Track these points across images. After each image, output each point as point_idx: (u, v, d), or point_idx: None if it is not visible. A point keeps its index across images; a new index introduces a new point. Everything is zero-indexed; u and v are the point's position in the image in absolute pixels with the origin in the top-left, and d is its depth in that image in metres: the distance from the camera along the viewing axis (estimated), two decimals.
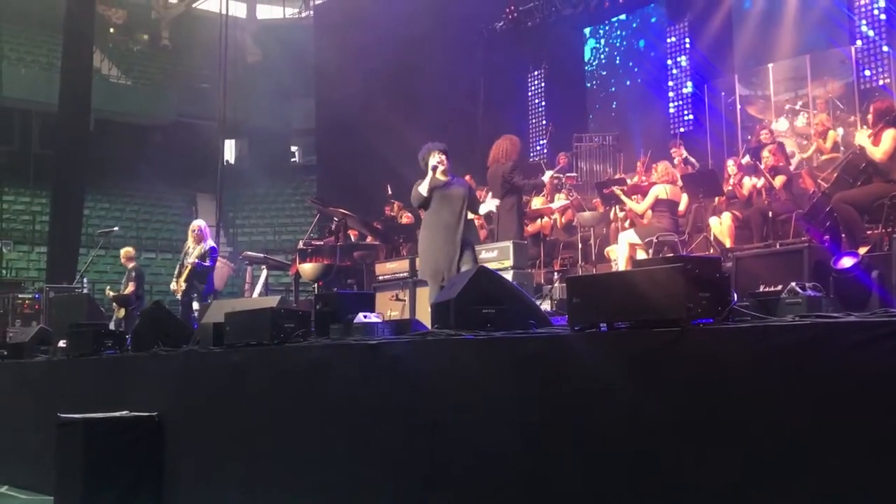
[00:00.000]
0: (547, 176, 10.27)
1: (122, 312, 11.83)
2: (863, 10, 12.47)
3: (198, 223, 11.12)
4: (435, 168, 6.98)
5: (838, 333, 2.55)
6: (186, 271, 10.59)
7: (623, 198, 10.37)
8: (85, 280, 14.70)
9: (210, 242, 10.88)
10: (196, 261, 10.56)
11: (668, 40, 15.19)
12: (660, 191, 9.77)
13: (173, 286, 10.86)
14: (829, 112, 12.14)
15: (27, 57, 26.18)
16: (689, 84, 14.69)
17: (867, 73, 12.35)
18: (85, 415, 5.45)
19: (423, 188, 7.04)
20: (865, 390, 2.44)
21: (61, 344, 7.03)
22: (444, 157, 7.02)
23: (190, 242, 10.87)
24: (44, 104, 21.48)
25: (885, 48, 12.18)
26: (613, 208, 10.94)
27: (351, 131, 18.97)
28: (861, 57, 12.45)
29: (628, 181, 11.39)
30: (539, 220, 11.70)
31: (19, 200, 24.09)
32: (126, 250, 12.76)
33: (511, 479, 3.37)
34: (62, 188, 16.21)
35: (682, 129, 14.47)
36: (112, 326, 10.46)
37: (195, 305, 10.45)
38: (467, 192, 7.20)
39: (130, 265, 12.42)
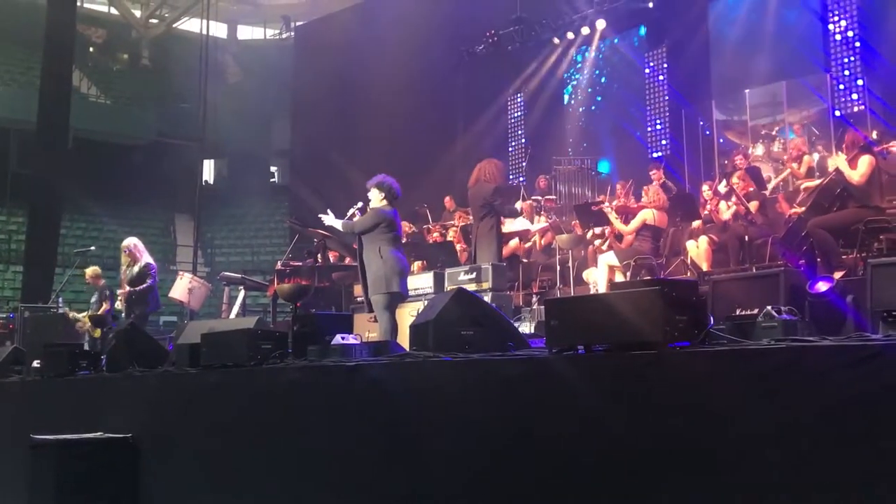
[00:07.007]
0: (519, 204, 10.32)
1: (97, 332, 11.68)
2: (838, 38, 12.66)
3: (128, 242, 10.60)
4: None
5: (813, 357, 2.57)
6: (120, 299, 10.29)
7: (612, 216, 10.36)
8: (60, 300, 14.55)
9: (146, 259, 10.42)
10: (128, 289, 10.18)
11: (647, 65, 15.33)
12: (648, 215, 9.79)
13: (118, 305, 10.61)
14: (805, 136, 12.26)
15: (6, 75, 26.02)
16: (667, 108, 14.81)
17: (841, 100, 12.51)
18: (58, 436, 5.40)
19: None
20: (840, 413, 2.46)
21: (35, 364, 6.95)
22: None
23: (123, 264, 10.47)
24: (22, 122, 21.33)
25: (859, 76, 12.35)
26: (592, 231, 10.96)
27: (329, 152, 18.97)
28: (836, 84, 12.61)
29: (607, 204, 11.41)
30: (510, 242, 11.64)
31: None
32: (93, 269, 12.46)
33: (489, 500, 3.36)
34: (39, 207, 16.07)
35: (659, 154, 14.58)
36: (87, 347, 10.34)
37: None
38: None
39: (101, 283, 12.22)
